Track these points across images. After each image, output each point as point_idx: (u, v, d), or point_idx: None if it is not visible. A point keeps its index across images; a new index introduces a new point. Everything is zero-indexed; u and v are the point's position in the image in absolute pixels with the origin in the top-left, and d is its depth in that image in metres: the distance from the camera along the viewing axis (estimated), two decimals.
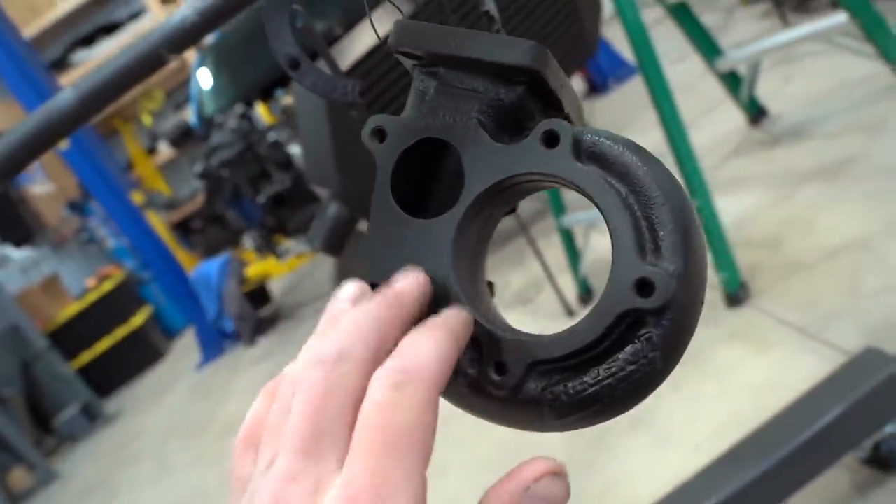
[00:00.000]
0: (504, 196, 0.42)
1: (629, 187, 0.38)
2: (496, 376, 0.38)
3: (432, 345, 0.33)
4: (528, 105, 0.41)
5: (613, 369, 0.36)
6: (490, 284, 0.44)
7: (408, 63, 0.43)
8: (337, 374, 0.32)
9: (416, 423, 0.31)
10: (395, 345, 0.34)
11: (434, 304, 0.39)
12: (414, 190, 0.42)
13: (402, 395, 0.31)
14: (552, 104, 0.42)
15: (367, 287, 0.38)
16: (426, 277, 0.38)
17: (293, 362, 0.36)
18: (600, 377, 0.37)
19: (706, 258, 0.38)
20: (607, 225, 0.38)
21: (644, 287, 0.35)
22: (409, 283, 0.37)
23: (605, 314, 0.36)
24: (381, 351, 0.34)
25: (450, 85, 0.41)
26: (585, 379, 0.37)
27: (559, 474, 0.33)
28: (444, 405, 0.39)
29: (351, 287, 0.38)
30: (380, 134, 0.41)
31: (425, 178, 0.42)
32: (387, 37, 0.44)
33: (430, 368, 0.32)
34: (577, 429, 0.39)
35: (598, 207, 0.38)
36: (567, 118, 0.43)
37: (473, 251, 0.42)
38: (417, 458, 0.30)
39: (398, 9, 0.47)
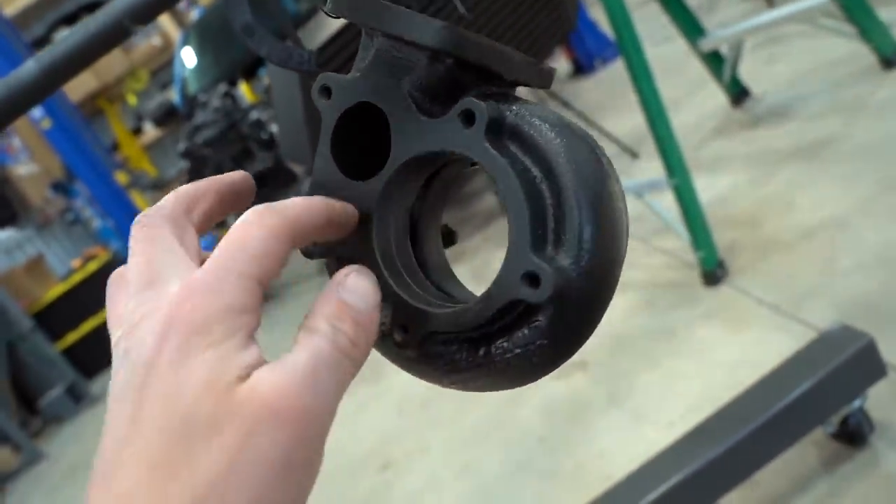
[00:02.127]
0: (434, 167, 0.42)
1: (544, 172, 0.37)
2: (399, 336, 0.40)
3: (299, 200, 0.38)
4: (460, 78, 0.40)
5: (501, 350, 0.38)
6: (452, 233, 0.45)
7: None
8: (153, 226, 0.37)
9: (261, 242, 0.34)
10: (208, 205, 0.40)
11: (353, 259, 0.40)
12: (361, 148, 0.42)
13: (258, 220, 0.35)
14: (485, 77, 0.41)
15: None
16: (250, 176, 0.43)
17: None
18: (492, 353, 0.38)
19: (617, 252, 0.38)
20: (507, 211, 0.37)
21: (532, 279, 0.35)
22: (235, 172, 0.43)
23: (493, 300, 0.37)
24: (192, 206, 0.39)
25: (387, 52, 0.41)
26: (479, 353, 0.39)
27: (363, 272, 0.37)
28: (423, 382, 0.42)
29: None
30: (326, 92, 0.41)
31: (375, 136, 0.43)
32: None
33: (289, 211, 0.36)
34: (474, 391, 0.41)
35: (499, 192, 0.37)
36: (509, 85, 0.42)
37: (409, 216, 0.43)
38: (254, 268, 0.34)
39: None
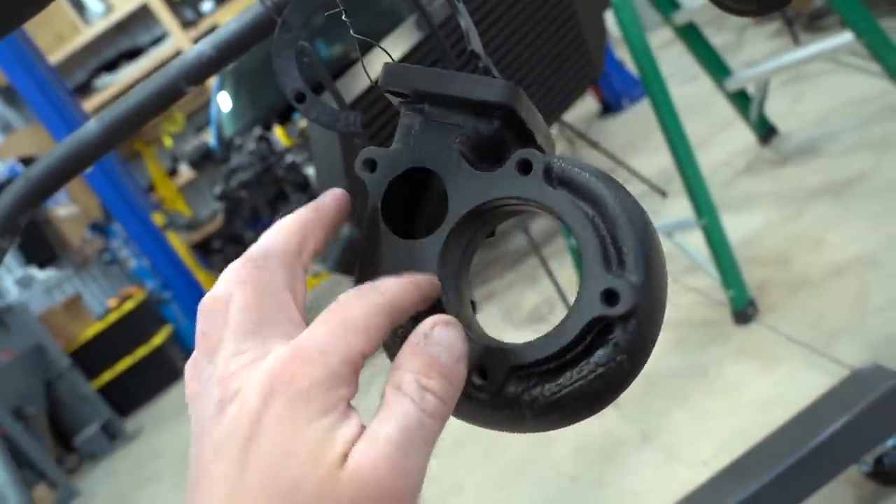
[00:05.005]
0: (485, 219, 0.46)
1: (595, 209, 0.42)
2: (479, 381, 0.42)
3: (394, 281, 0.39)
4: (504, 137, 0.46)
5: (585, 372, 0.40)
6: (472, 303, 0.48)
7: (395, 101, 0.48)
8: (266, 269, 0.39)
9: (364, 318, 0.36)
10: (316, 244, 0.42)
11: (424, 313, 0.43)
12: (404, 215, 0.46)
13: (361, 298, 0.37)
14: (525, 136, 0.47)
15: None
16: (345, 192, 0.45)
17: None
18: (573, 379, 0.41)
19: (665, 271, 0.42)
20: (577, 242, 0.42)
21: (610, 297, 0.39)
22: (328, 194, 0.44)
23: (575, 322, 0.40)
24: (303, 247, 0.41)
25: (434, 119, 0.45)
26: (560, 381, 0.41)
27: (451, 323, 0.38)
28: (456, 420, 0.44)
29: None
30: (371, 164, 0.46)
31: (414, 204, 0.47)
32: (378, 78, 0.49)
33: (388, 290, 0.38)
34: (553, 429, 0.43)
35: (568, 227, 0.42)
36: (539, 149, 0.47)
37: (458, 269, 0.46)
38: (358, 341, 0.35)
39: (387, 53, 0.52)
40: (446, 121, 0.45)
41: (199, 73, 0.77)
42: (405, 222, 0.46)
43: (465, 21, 0.52)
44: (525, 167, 0.43)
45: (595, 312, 0.40)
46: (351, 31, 0.50)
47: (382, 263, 0.45)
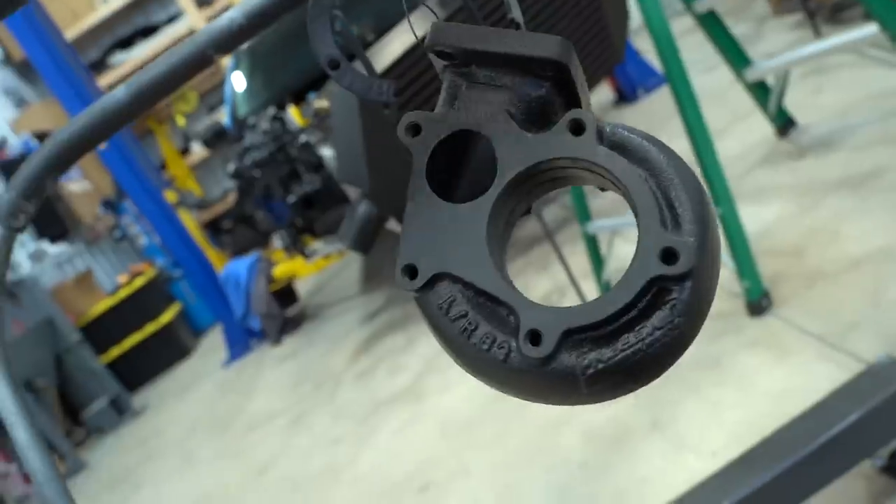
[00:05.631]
0: (531, 187, 0.45)
1: (648, 171, 0.42)
2: (531, 346, 0.40)
3: None
4: (552, 100, 0.45)
5: (643, 335, 0.39)
6: None
7: (439, 64, 0.47)
8: None
9: None
10: None
11: (486, 298, 0.42)
12: (443, 179, 0.46)
13: None
14: (573, 101, 0.46)
15: None
16: None
17: None
18: (631, 343, 0.39)
19: (718, 233, 0.42)
20: (631, 203, 0.41)
21: (670, 256, 0.39)
22: None
23: (634, 282, 0.39)
24: None
25: (481, 82, 0.45)
26: (617, 345, 0.40)
27: None
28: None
29: None
30: (415, 128, 0.45)
31: (452, 169, 0.46)
32: (424, 37, 0.48)
33: None
34: (606, 399, 0.41)
35: (624, 187, 0.41)
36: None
37: (501, 237, 0.46)
38: None
39: (433, 12, 0.51)
40: (495, 82, 0.45)
41: (227, 41, 0.76)
42: (445, 187, 0.46)
43: None
44: (577, 128, 0.42)
45: (654, 272, 0.39)
46: None
47: (427, 228, 0.44)
